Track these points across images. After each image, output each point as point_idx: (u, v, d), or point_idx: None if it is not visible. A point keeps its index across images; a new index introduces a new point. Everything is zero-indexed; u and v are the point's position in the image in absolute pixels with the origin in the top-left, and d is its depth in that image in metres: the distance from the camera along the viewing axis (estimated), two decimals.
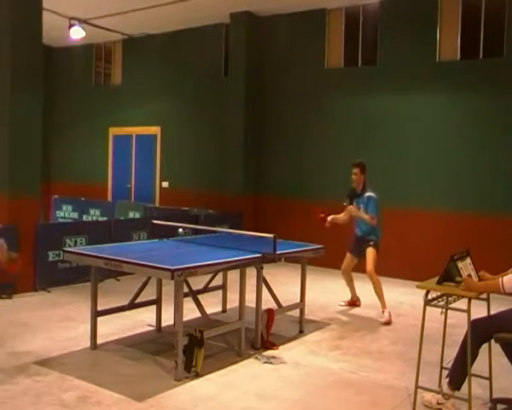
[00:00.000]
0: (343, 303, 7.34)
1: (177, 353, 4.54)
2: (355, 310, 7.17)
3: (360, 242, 6.97)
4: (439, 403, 4.10)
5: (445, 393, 4.06)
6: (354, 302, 7.37)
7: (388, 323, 6.54)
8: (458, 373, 3.96)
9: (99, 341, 5.29)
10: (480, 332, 3.86)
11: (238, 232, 7.33)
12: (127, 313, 5.82)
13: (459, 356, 3.96)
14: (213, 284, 6.62)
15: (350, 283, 7.29)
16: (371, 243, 6.83)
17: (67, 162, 14.46)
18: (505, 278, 3.78)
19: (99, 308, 5.30)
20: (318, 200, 10.19)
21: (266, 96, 11.09)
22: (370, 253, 6.80)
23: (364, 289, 8.40)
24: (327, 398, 4.36)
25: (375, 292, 6.79)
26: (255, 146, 11.09)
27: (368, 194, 6.84)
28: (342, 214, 7.11)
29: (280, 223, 10.17)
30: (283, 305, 6.03)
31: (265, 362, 5.06)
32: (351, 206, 6.89)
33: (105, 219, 10.48)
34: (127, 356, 5.09)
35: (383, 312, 6.68)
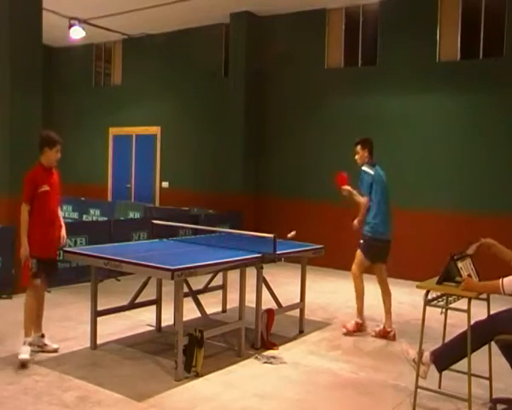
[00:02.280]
0: (373, 333, 6.10)
1: (177, 353, 4.54)
2: (355, 310, 7.13)
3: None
4: (414, 361, 4.13)
5: (423, 360, 4.05)
6: (385, 332, 6.00)
7: (350, 333, 5.95)
8: (446, 358, 3.99)
9: (99, 341, 5.29)
10: (481, 335, 3.85)
11: (238, 232, 7.33)
12: (127, 313, 5.83)
13: (456, 343, 3.96)
14: (213, 284, 6.62)
15: (386, 300, 6.08)
16: (361, 240, 5.94)
17: (67, 162, 14.42)
18: (505, 279, 3.78)
19: (99, 308, 5.30)
20: (318, 200, 10.20)
21: (266, 96, 11.10)
22: (356, 254, 6.01)
23: (365, 288, 8.39)
24: (327, 398, 4.37)
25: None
26: (255, 146, 11.09)
27: (362, 168, 6.00)
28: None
29: (280, 223, 10.16)
30: (283, 305, 6.03)
31: (265, 362, 5.07)
32: (346, 187, 5.98)
33: (105, 219, 10.48)
34: (127, 356, 5.09)
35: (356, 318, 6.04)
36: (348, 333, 6.02)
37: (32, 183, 4.95)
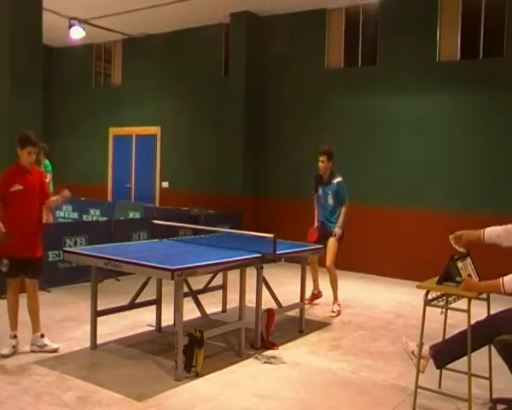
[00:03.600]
0: (307, 301, 6.92)
1: (177, 353, 4.54)
2: (355, 310, 7.15)
3: (324, 229, 6.87)
4: (413, 354, 4.15)
5: (423, 356, 4.05)
6: (316, 296, 7.35)
7: (338, 315, 6.73)
8: (446, 355, 3.99)
9: (99, 341, 5.29)
10: (480, 336, 3.85)
11: (238, 232, 7.33)
12: (127, 313, 5.83)
13: (456, 341, 3.96)
14: (213, 284, 6.62)
15: (315, 274, 7.26)
16: (334, 234, 6.79)
17: (67, 162, 14.45)
18: (506, 278, 3.78)
19: (99, 308, 5.30)
20: None
21: (266, 96, 11.09)
22: (332, 244, 6.74)
23: (363, 289, 8.43)
24: (327, 398, 4.36)
25: (331, 285, 6.84)
26: (255, 146, 11.09)
27: (337, 180, 6.87)
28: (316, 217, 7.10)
29: (280, 223, 10.17)
30: (283, 305, 6.03)
31: (265, 362, 5.06)
32: (336, 230, 6.75)
33: (105, 219, 10.48)
34: (127, 356, 5.09)
35: (334, 303, 6.83)
36: (338, 314, 6.75)
37: (5, 181, 4.98)
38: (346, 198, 6.85)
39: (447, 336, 4.25)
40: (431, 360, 4.07)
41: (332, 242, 6.78)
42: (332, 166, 6.96)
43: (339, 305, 6.87)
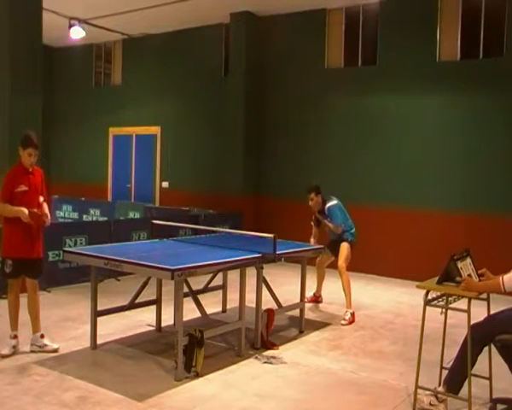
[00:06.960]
0: (306, 300, 6.86)
1: (177, 353, 4.54)
2: (355, 310, 7.14)
3: (335, 242, 6.91)
4: (431, 404, 4.05)
5: (439, 392, 4.01)
6: (317, 298, 7.35)
7: (350, 323, 6.46)
8: (457, 377, 3.93)
9: (99, 341, 5.29)
10: (480, 337, 3.84)
11: (238, 232, 7.33)
12: (127, 313, 5.83)
13: (458, 360, 3.94)
14: (213, 284, 6.63)
15: (320, 278, 7.29)
16: (345, 242, 6.81)
17: (67, 162, 14.46)
18: (505, 276, 3.77)
19: (99, 308, 5.30)
20: None
21: (266, 96, 11.09)
22: (344, 247, 6.76)
23: (363, 289, 8.43)
24: (327, 398, 4.36)
25: (343, 289, 6.67)
26: (255, 146, 11.08)
27: (327, 206, 6.83)
28: (312, 236, 7.07)
29: (280, 223, 10.17)
30: (283, 305, 6.03)
31: (265, 362, 5.06)
32: (324, 221, 6.81)
33: (105, 219, 10.48)
34: (127, 356, 5.09)
35: (346, 311, 6.58)
36: (349, 324, 6.43)
37: (9, 183, 4.97)
38: (337, 222, 6.72)
39: (446, 340, 4.23)
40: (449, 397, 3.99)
41: (344, 245, 6.77)
42: (322, 197, 6.89)
43: (352, 314, 6.56)
